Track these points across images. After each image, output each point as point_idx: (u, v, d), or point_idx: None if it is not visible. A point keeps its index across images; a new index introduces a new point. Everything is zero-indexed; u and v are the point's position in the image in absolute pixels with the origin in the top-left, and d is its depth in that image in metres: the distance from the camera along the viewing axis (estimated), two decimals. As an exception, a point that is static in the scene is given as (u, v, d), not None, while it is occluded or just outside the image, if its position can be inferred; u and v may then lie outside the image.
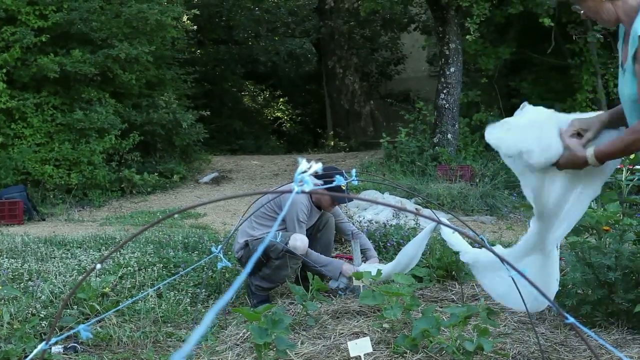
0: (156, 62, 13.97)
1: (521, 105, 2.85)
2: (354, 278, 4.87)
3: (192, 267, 5.13)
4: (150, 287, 4.95)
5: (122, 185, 12.31)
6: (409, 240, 6.04)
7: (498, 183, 11.00)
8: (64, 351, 3.93)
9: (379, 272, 4.72)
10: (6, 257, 5.88)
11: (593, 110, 12.65)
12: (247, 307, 4.59)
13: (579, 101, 12.80)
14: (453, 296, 5.03)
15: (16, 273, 5.30)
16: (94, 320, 4.20)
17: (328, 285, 5.12)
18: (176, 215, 9.48)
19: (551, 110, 2.88)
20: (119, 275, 5.19)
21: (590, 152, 2.68)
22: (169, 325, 4.48)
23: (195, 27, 20.99)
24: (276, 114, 26.92)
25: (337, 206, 5.54)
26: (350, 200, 5.82)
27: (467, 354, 3.46)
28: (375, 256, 5.52)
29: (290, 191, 1.56)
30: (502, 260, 1.83)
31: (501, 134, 2.76)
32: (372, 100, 22.47)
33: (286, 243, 4.91)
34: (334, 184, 2.02)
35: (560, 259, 5.32)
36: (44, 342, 1.91)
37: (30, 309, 4.38)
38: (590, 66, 12.78)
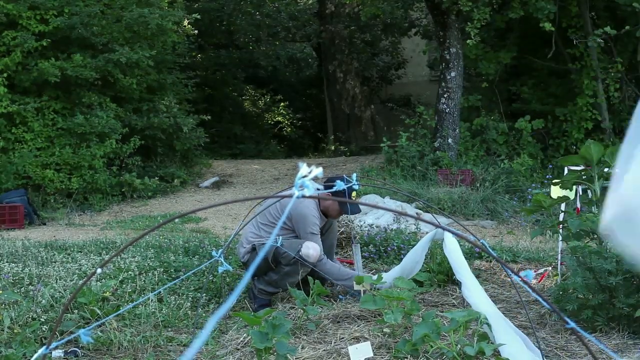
0: (157, 66, 13.98)
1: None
2: (355, 283, 4.88)
3: (193, 271, 5.14)
4: (151, 292, 4.94)
5: (123, 190, 12.31)
6: (410, 245, 6.07)
7: (499, 187, 11.00)
8: (64, 356, 3.93)
9: (379, 277, 4.73)
10: (7, 262, 5.88)
11: (594, 114, 12.77)
12: (248, 312, 4.59)
13: (580, 106, 12.81)
14: (454, 300, 5.03)
15: (17, 277, 5.30)
16: (94, 324, 4.20)
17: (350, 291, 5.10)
18: (177, 220, 9.48)
19: None
20: (120, 279, 5.19)
21: None
22: (169, 329, 4.48)
23: (196, 31, 21.00)
24: (277, 118, 26.92)
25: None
26: (359, 211, 5.76)
27: (468, 358, 3.45)
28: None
29: (291, 196, 1.56)
30: (503, 264, 1.84)
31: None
32: (373, 105, 22.48)
33: (299, 250, 4.87)
34: (335, 188, 2.02)
35: (561, 263, 5.35)
36: (44, 347, 1.91)
37: (31, 313, 4.38)
38: (590, 71, 12.79)
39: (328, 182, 5.21)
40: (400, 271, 4.94)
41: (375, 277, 4.78)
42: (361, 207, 8.34)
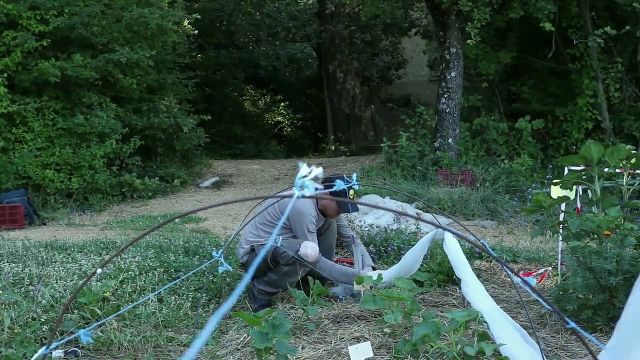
0: (157, 66, 13.98)
1: None
2: (355, 282, 4.87)
3: (193, 271, 5.13)
4: (151, 292, 4.95)
5: (123, 190, 12.30)
6: (410, 245, 6.08)
7: (499, 187, 11.00)
8: (64, 356, 3.93)
9: (379, 276, 4.73)
10: (7, 262, 5.88)
11: (594, 114, 12.77)
12: (248, 312, 4.58)
13: (580, 106, 12.81)
14: (454, 300, 5.03)
15: (17, 277, 5.30)
16: (94, 324, 4.20)
17: (331, 291, 5.10)
18: (177, 220, 9.48)
19: None
20: (120, 279, 5.19)
21: None
22: (169, 329, 4.48)
23: (196, 31, 21.00)
24: (277, 118, 26.93)
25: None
26: (357, 209, 5.78)
27: (468, 358, 3.45)
28: (371, 263, 5.51)
29: (291, 196, 1.55)
30: (503, 264, 1.83)
31: None
32: (373, 105, 22.49)
33: (297, 250, 4.87)
34: (335, 188, 2.02)
35: (562, 263, 5.35)
36: (44, 347, 1.91)
37: (31, 313, 4.38)
38: (590, 71, 12.79)
39: (327, 182, 5.22)
40: (398, 270, 4.94)
41: (375, 276, 4.78)
42: (361, 207, 8.37)
